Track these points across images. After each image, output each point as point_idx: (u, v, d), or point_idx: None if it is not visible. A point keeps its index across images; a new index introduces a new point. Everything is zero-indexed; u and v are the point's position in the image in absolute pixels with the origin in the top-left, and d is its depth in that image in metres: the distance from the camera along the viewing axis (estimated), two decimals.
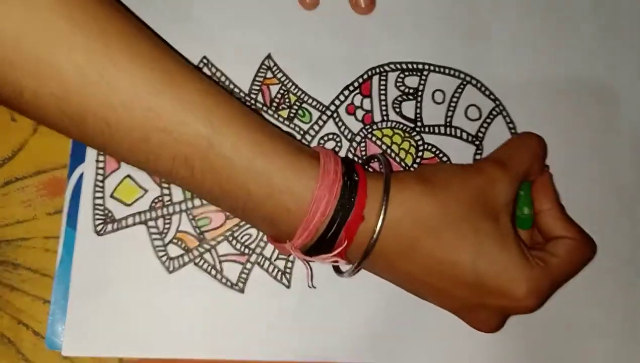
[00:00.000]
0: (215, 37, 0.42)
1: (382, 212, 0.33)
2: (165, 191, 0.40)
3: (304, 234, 0.33)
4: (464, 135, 0.43)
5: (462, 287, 0.34)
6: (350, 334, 0.40)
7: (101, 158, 0.40)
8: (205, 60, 0.42)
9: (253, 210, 0.33)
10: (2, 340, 0.38)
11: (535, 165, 0.38)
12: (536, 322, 0.41)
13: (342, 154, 0.42)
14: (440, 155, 0.43)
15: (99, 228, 0.39)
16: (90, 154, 0.40)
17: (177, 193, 0.40)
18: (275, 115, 0.42)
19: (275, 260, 0.40)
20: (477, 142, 0.43)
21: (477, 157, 0.43)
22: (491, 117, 0.43)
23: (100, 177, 0.40)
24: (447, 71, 0.44)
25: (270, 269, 0.40)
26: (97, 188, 0.40)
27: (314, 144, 0.42)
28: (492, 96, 0.44)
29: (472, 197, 0.34)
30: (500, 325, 0.37)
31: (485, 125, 0.43)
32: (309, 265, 0.39)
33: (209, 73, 0.41)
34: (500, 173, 0.36)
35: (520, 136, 0.41)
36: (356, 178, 0.34)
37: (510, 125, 0.44)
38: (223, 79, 0.41)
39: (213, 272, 0.40)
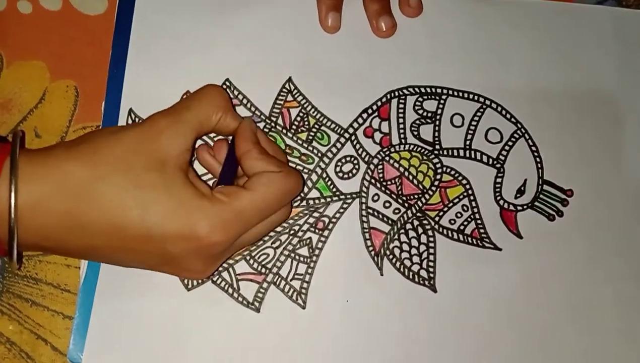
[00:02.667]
0: (237, 60, 0.43)
1: (13, 192, 0.31)
2: None
3: None
4: (485, 158, 0.43)
5: (143, 243, 0.33)
6: (363, 359, 0.40)
7: None
8: (227, 83, 0.43)
9: None
10: (21, 354, 0.39)
11: (219, 115, 0.37)
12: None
13: (359, 176, 0.42)
14: (460, 177, 0.42)
15: None
16: None
17: None
18: (295, 138, 0.42)
19: (291, 280, 0.40)
20: (498, 165, 0.43)
21: (499, 180, 0.42)
22: (513, 140, 0.43)
23: None
24: (465, 95, 0.44)
25: (286, 289, 0.40)
26: None
27: (330, 167, 0.42)
28: (513, 119, 0.44)
29: (129, 151, 0.33)
30: (208, 268, 0.35)
31: (507, 148, 0.43)
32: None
33: (231, 95, 0.42)
34: (166, 123, 0.35)
35: (200, 89, 0.38)
36: None
37: (533, 148, 0.43)
38: (245, 101, 0.42)
39: (230, 290, 0.40)
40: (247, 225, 0.35)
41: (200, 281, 0.40)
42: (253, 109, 0.42)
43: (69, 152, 0.33)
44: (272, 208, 0.36)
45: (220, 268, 0.40)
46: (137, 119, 0.41)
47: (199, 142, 0.41)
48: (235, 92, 0.43)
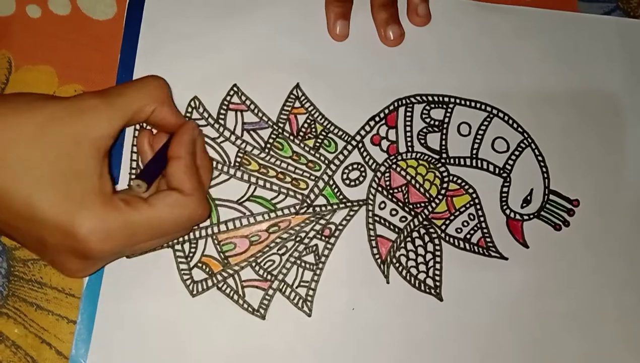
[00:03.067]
0: (245, 66, 0.43)
1: None
2: None
3: None
4: (491, 167, 0.43)
5: (24, 221, 0.31)
6: None
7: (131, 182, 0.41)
8: (235, 88, 0.43)
9: None
10: (26, 358, 0.39)
11: (153, 107, 0.35)
12: None
13: (366, 183, 0.42)
14: (466, 186, 0.42)
15: None
16: (123, 176, 0.41)
17: None
18: (302, 145, 0.42)
19: (297, 287, 0.40)
20: (504, 174, 0.43)
21: (505, 189, 0.43)
22: (519, 149, 0.43)
23: None
24: (473, 104, 0.44)
25: (292, 296, 0.40)
26: None
27: (337, 174, 0.42)
28: (519, 129, 0.44)
29: (48, 121, 0.31)
30: (84, 270, 0.34)
31: (513, 157, 0.43)
32: None
33: (238, 100, 0.43)
34: (94, 103, 0.33)
35: (142, 77, 0.37)
36: None
37: (539, 158, 0.43)
38: (252, 107, 0.42)
39: (235, 297, 0.40)
40: (133, 240, 0.33)
41: (204, 287, 0.40)
42: (260, 114, 0.42)
43: None
44: (166, 231, 0.34)
45: (226, 275, 0.40)
46: (144, 125, 0.41)
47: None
48: (243, 98, 0.43)
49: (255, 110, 0.43)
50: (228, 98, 0.42)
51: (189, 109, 0.42)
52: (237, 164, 0.42)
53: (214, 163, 0.41)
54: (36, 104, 0.32)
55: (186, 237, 0.40)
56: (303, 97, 0.43)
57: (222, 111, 0.42)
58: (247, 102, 0.43)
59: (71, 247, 0.32)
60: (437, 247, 0.42)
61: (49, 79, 0.42)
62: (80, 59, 0.42)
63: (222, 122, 0.42)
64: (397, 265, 0.41)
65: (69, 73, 0.42)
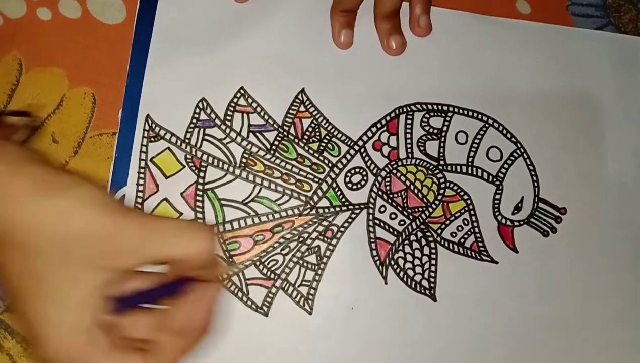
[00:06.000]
0: (252, 70, 0.44)
1: None
2: (199, 214, 0.42)
3: None
4: (485, 175, 0.45)
5: None
6: None
7: (141, 181, 0.42)
8: (242, 91, 0.44)
9: None
10: None
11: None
12: None
13: (368, 187, 0.44)
14: (462, 193, 0.44)
15: None
16: (132, 176, 0.42)
17: (210, 218, 0.42)
18: (306, 148, 0.44)
19: (299, 286, 0.42)
20: (497, 182, 0.45)
21: (498, 196, 0.45)
22: (512, 158, 0.45)
23: (139, 199, 0.42)
24: (470, 113, 0.46)
25: (294, 295, 0.42)
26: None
27: (340, 177, 0.44)
28: (513, 139, 0.46)
29: None
30: None
31: (506, 166, 0.45)
32: None
33: (245, 103, 0.44)
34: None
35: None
36: None
37: (530, 167, 0.45)
38: (259, 109, 0.44)
39: (240, 294, 0.41)
40: None
41: None
42: (266, 117, 0.44)
43: None
44: None
45: (231, 273, 0.42)
46: (153, 125, 0.42)
47: None
48: (250, 100, 0.44)
49: (262, 113, 0.44)
50: (235, 100, 0.44)
51: (197, 110, 0.43)
52: (242, 164, 0.43)
53: (220, 163, 0.43)
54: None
55: None
56: (308, 102, 0.44)
57: (229, 113, 0.43)
58: (254, 105, 0.44)
59: None
60: (433, 250, 0.44)
61: (59, 81, 0.42)
62: (90, 62, 0.43)
63: (228, 123, 0.43)
64: (395, 266, 0.43)
65: (78, 75, 0.42)
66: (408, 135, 0.45)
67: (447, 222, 0.44)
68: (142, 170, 0.42)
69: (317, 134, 0.44)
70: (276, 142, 0.44)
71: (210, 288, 0.32)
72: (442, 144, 0.45)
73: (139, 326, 0.32)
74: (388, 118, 0.45)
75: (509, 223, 0.45)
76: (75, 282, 0.30)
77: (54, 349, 0.30)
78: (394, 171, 0.44)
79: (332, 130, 0.44)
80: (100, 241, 0.30)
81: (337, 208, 0.43)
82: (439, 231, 0.44)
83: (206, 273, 0.32)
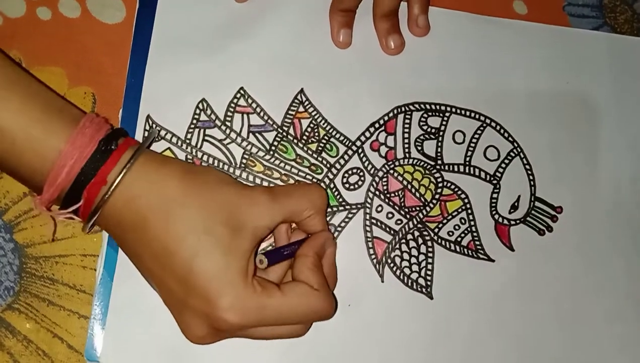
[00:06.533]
0: (252, 70, 0.44)
1: (120, 178, 0.35)
2: None
3: (49, 191, 0.35)
4: (482, 175, 0.46)
5: (174, 279, 0.35)
6: (363, 360, 0.42)
7: None
8: (242, 91, 0.44)
9: (2, 163, 0.35)
10: (37, 352, 0.40)
11: (310, 212, 0.39)
12: None
13: (365, 187, 0.44)
14: (459, 192, 0.45)
15: None
16: None
17: None
18: (305, 148, 0.44)
19: None
20: (494, 181, 0.45)
21: (495, 195, 0.45)
22: (509, 158, 0.46)
23: None
24: (468, 113, 0.46)
25: None
26: None
27: (338, 178, 0.44)
28: (510, 138, 0.46)
29: (224, 202, 0.36)
30: (206, 338, 0.36)
31: (503, 165, 0.46)
32: (54, 219, 0.40)
33: (245, 103, 0.44)
34: (265, 199, 0.37)
35: (308, 184, 0.43)
36: (113, 147, 0.35)
37: (527, 167, 0.46)
38: (258, 110, 0.44)
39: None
40: (262, 321, 0.36)
41: None
42: (266, 117, 0.44)
43: (181, 175, 0.36)
44: (293, 319, 0.37)
45: None
46: (154, 126, 0.42)
47: None
48: (249, 101, 0.44)
49: (261, 113, 0.44)
50: (235, 100, 0.44)
51: (197, 111, 0.43)
52: (242, 165, 0.43)
53: (221, 164, 0.43)
54: (220, 185, 0.37)
55: None
56: (307, 102, 0.45)
57: (229, 113, 0.44)
58: (253, 105, 0.44)
59: (208, 315, 0.35)
60: (430, 249, 0.44)
61: (59, 81, 0.42)
62: (90, 62, 0.43)
63: (228, 123, 0.43)
64: (392, 265, 0.44)
65: (78, 75, 0.42)
66: (406, 135, 0.45)
67: (445, 221, 0.45)
68: None
69: (316, 134, 0.45)
70: (275, 143, 0.44)
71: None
72: (439, 144, 0.46)
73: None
74: (386, 118, 0.45)
75: (505, 222, 0.45)
76: (234, 234, 0.35)
77: (229, 302, 0.34)
78: (392, 171, 0.45)
79: (330, 131, 0.45)
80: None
81: (334, 208, 0.44)
82: (436, 230, 0.44)
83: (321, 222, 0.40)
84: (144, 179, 0.35)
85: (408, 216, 0.44)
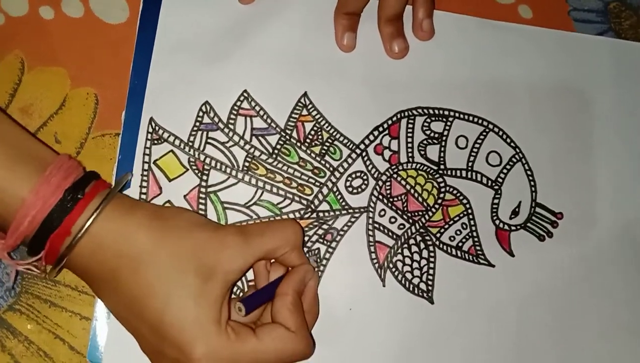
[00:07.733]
0: (256, 73, 0.44)
1: (84, 230, 0.34)
2: (201, 213, 0.42)
3: (12, 237, 0.34)
4: (484, 180, 0.46)
5: (147, 328, 0.35)
6: None
7: (144, 183, 0.42)
8: (245, 94, 0.44)
9: None
10: (39, 353, 0.40)
11: (285, 249, 0.38)
12: None
13: (368, 191, 0.44)
14: (461, 197, 0.45)
15: None
16: (135, 179, 0.42)
17: (212, 218, 0.42)
18: (308, 151, 0.44)
19: None
20: (496, 187, 0.46)
21: (496, 201, 0.45)
22: (511, 163, 0.46)
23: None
24: (471, 118, 0.46)
25: None
26: None
27: (341, 181, 0.44)
28: (512, 144, 0.46)
29: (194, 248, 0.35)
30: None
31: (505, 171, 0.46)
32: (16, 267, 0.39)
33: (248, 106, 0.44)
34: (237, 241, 0.36)
35: (281, 220, 0.41)
36: (80, 196, 0.35)
37: (529, 172, 0.46)
38: (262, 113, 0.44)
39: (242, 295, 0.42)
40: None
41: None
42: (269, 120, 0.44)
43: (150, 222, 0.35)
44: None
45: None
46: (157, 128, 0.42)
47: None
48: (253, 104, 0.44)
49: (264, 116, 0.44)
50: (238, 103, 0.44)
51: (200, 113, 0.43)
52: (245, 168, 0.43)
53: (223, 167, 0.43)
54: (190, 230, 0.36)
55: None
56: (310, 105, 0.44)
57: (232, 116, 0.44)
58: (257, 108, 0.44)
59: (180, 362, 0.35)
60: (432, 254, 0.44)
61: (62, 81, 0.42)
62: (93, 62, 0.42)
63: (231, 126, 0.43)
64: (394, 269, 0.44)
65: (81, 75, 0.42)
66: (409, 139, 0.45)
67: (446, 226, 0.45)
68: (145, 173, 0.42)
69: (319, 137, 0.44)
70: (278, 146, 0.44)
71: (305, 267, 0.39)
72: (442, 149, 0.46)
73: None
74: (390, 122, 0.45)
75: (506, 227, 0.46)
76: (205, 281, 0.35)
77: (202, 352, 0.34)
78: (395, 175, 0.45)
79: (334, 134, 0.45)
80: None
81: (337, 212, 0.44)
82: (438, 235, 0.45)
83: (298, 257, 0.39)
84: (111, 229, 0.35)
85: (411, 221, 0.45)
